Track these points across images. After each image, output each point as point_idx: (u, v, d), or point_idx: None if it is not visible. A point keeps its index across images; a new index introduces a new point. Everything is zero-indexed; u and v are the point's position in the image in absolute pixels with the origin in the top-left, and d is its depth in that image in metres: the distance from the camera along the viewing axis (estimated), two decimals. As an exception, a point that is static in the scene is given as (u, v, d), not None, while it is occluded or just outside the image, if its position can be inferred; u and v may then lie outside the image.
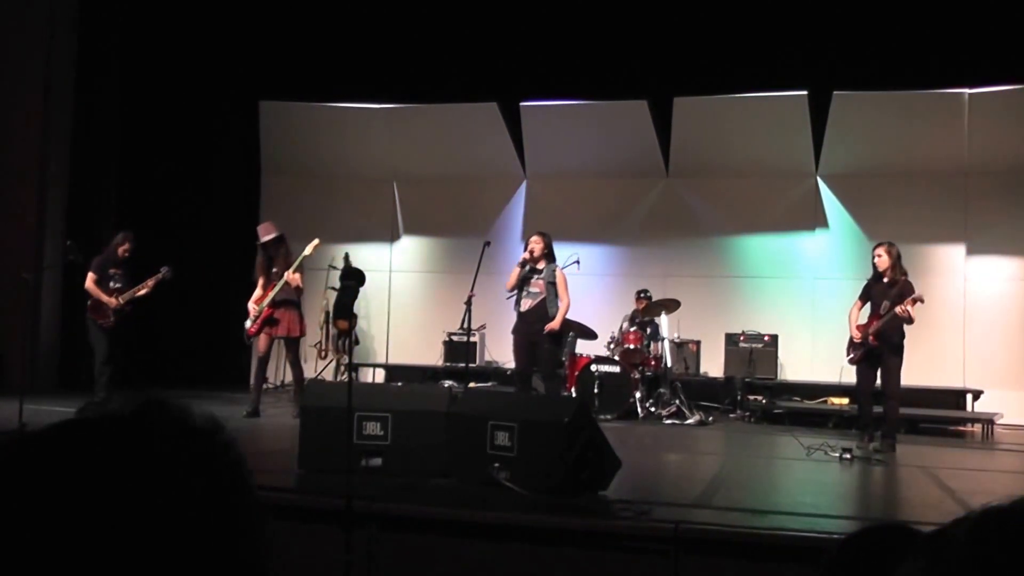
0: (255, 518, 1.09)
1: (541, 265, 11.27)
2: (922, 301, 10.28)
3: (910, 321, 10.12)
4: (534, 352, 11.29)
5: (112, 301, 12.04)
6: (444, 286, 16.04)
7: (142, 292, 12.10)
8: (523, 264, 11.36)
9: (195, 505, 1.02)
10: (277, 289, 11.75)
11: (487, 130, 15.63)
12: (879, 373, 10.33)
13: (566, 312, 11.31)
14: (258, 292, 12.10)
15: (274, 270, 11.93)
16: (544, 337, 11.12)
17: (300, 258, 11.83)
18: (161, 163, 15.43)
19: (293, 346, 12.07)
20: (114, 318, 12.11)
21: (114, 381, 12.27)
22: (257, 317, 11.86)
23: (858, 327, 10.40)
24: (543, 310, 11.15)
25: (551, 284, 11.19)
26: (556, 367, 11.45)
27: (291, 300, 11.90)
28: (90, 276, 12.16)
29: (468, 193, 16.35)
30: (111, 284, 12.16)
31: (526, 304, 11.24)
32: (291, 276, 11.70)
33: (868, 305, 10.57)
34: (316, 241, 12.09)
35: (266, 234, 12.07)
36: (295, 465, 7.57)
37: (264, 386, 15.42)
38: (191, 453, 1.05)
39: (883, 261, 10.33)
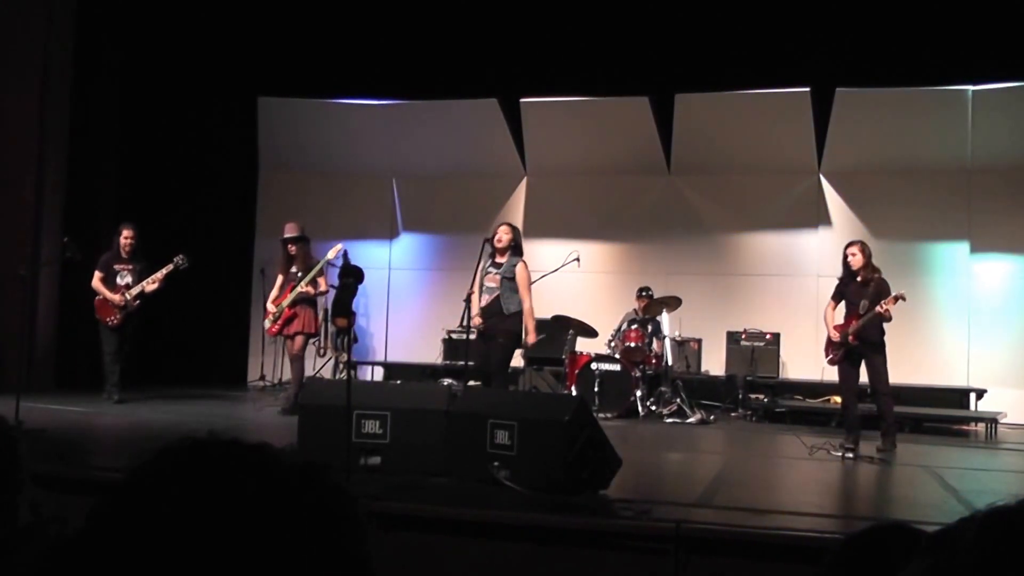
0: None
1: (503, 259, 10.85)
2: (903, 299, 10.15)
3: (889, 319, 10.02)
4: (488, 348, 10.94)
5: (116, 298, 12.01)
6: (443, 283, 16.01)
7: (152, 286, 12.07)
8: (489, 255, 10.96)
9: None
10: (296, 292, 11.80)
11: (487, 127, 15.60)
12: (862, 371, 10.25)
13: (531, 315, 10.84)
14: (275, 292, 12.23)
15: (292, 269, 12.02)
16: (498, 334, 10.72)
17: (322, 262, 11.94)
18: (159, 159, 15.39)
19: (305, 340, 12.21)
20: (120, 315, 12.07)
21: (125, 378, 12.25)
22: (277, 318, 11.92)
23: (836, 327, 10.30)
24: (497, 306, 10.73)
25: (508, 280, 10.70)
26: (504, 367, 11.06)
27: (308, 299, 11.98)
28: (96, 274, 12.17)
29: (468, 190, 16.30)
30: (118, 280, 12.13)
31: (484, 300, 10.83)
32: (309, 289, 11.88)
33: (843, 304, 10.47)
34: (339, 246, 12.24)
35: (290, 232, 12.24)
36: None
37: (263, 384, 15.49)
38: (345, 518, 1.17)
39: (857, 260, 10.17)
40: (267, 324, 12.22)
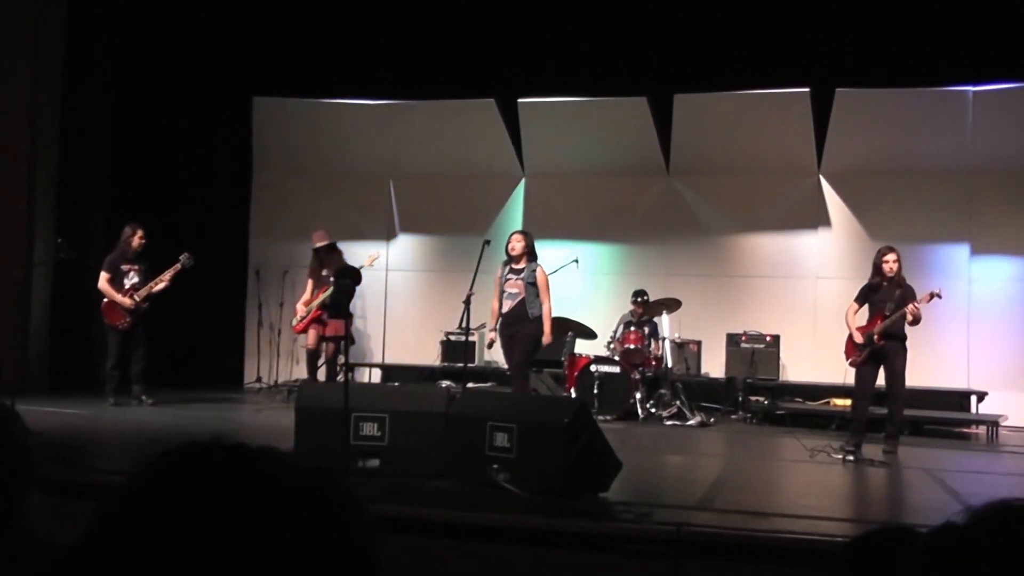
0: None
1: (521, 265, 11.23)
2: (939, 296, 10.26)
3: (919, 320, 10.03)
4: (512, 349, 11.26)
5: (126, 301, 11.97)
6: (441, 285, 15.94)
7: (159, 287, 12.06)
8: (504, 264, 11.36)
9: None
10: (328, 293, 11.95)
11: (485, 127, 15.53)
12: (882, 375, 10.23)
13: (551, 316, 11.23)
14: (306, 296, 12.83)
15: (324, 272, 12.42)
16: (522, 335, 11.06)
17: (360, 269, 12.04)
18: (153, 160, 15.30)
19: (337, 346, 12.49)
20: (130, 318, 12.02)
21: (123, 384, 12.19)
22: (304, 317, 12.26)
23: (859, 328, 10.29)
24: (522, 310, 11.08)
25: (531, 284, 11.11)
26: (524, 365, 11.32)
27: None
28: (102, 275, 12.10)
29: (465, 191, 16.24)
30: (126, 281, 12.07)
31: (507, 305, 11.20)
32: None
33: (866, 308, 10.45)
34: (376, 254, 13.05)
35: (318, 241, 12.81)
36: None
37: (259, 386, 15.45)
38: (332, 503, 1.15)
39: (896, 266, 10.23)
40: (294, 322, 12.95)
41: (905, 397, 10.28)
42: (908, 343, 10.25)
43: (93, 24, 14.53)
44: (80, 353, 14.09)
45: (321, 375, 12.93)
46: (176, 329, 14.88)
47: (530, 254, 11.30)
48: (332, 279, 12.11)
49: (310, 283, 12.73)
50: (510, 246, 11.32)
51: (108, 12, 14.67)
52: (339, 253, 12.63)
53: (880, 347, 10.07)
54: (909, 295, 10.10)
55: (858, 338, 10.23)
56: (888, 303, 10.08)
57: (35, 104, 13.72)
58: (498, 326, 11.42)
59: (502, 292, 11.25)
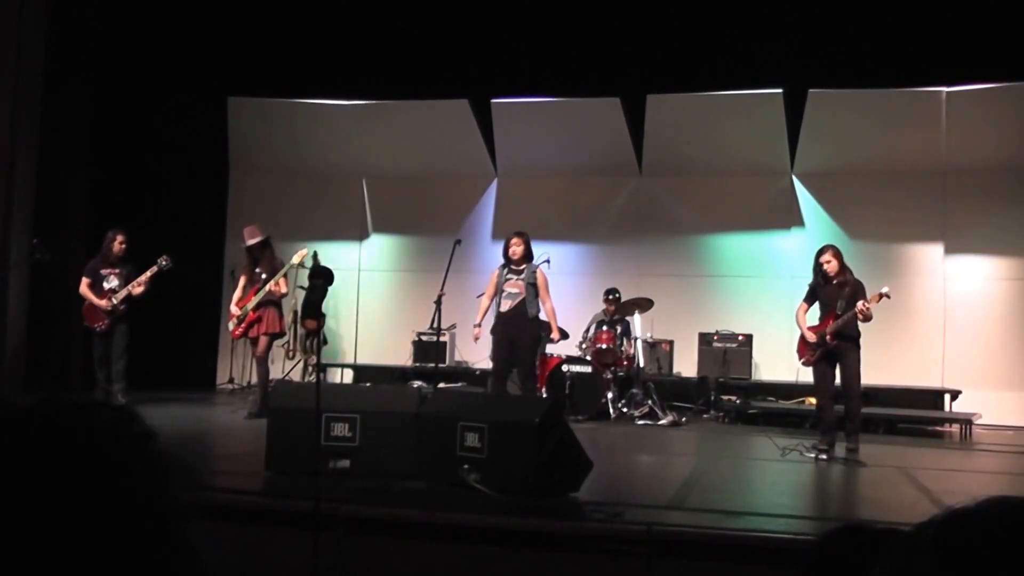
0: (160, 519, 1.10)
1: (521, 266, 11.31)
2: (888, 296, 10.19)
3: (870, 318, 10.00)
4: (513, 351, 11.24)
5: (103, 303, 11.92)
6: (413, 285, 15.91)
7: (138, 290, 11.95)
8: (504, 267, 11.37)
9: (84, 501, 1.05)
10: (262, 294, 11.75)
11: (458, 127, 15.51)
12: (838, 372, 10.21)
13: (555, 313, 11.48)
14: (238, 294, 12.22)
15: (257, 270, 12.06)
16: (526, 338, 11.18)
17: (286, 267, 11.92)
18: (130, 160, 15.23)
19: (269, 342, 12.20)
20: (108, 320, 11.96)
21: (109, 382, 12.11)
22: (241, 320, 11.87)
23: (811, 329, 10.26)
24: (522, 309, 11.17)
25: (531, 285, 11.24)
26: (533, 369, 11.52)
27: (272, 301, 11.93)
28: (83, 280, 12.10)
29: (438, 191, 16.22)
30: (105, 284, 12.03)
31: (505, 305, 11.25)
32: (275, 287, 11.83)
33: (816, 307, 10.42)
34: (304, 251, 12.32)
35: (251, 237, 12.23)
36: (262, 467, 7.45)
37: (232, 387, 15.37)
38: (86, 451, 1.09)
39: (833, 266, 10.14)
40: (231, 326, 12.19)
41: (861, 393, 10.26)
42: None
43: (72, 27, 14.43)
44: (55, 353, 14.01)
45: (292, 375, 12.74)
46: (151, 329, 14.81)
47: (528, 255, 11.37)
48: (263, 276, 11.98)
49: (242, 281, 12.23)
50: (511, 250, 11.35)
51: (87, 14, 14.57)
52: (272, 249, 12.32)
53: (832, 347, 10.05)
54: (859, 292, 10.03)
55: (811, 337, 10.20)
56: (840, 301, 10.03)
57: (15, 105, 13.59)
58: (494, 325, 11.42)
59: (501, 292, 11.29)
